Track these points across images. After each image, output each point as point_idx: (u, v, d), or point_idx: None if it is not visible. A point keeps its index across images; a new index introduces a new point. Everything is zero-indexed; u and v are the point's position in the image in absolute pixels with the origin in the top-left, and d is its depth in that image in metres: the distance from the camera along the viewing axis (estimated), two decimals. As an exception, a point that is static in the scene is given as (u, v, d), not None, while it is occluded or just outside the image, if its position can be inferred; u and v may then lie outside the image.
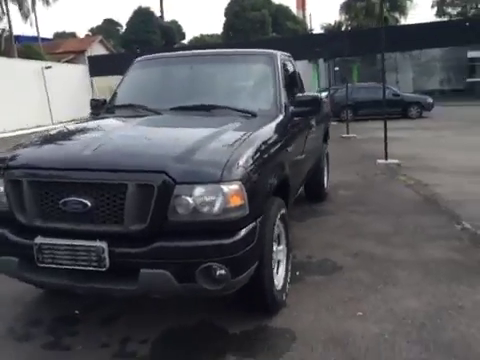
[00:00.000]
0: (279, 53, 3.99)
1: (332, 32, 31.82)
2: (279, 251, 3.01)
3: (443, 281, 3.36)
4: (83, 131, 3.17)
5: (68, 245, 2.33)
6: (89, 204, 2.30)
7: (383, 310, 2.96)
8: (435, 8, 36.15)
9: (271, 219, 2.71)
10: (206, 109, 3.41)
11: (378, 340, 2.62)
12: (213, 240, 2.27)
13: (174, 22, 47.63)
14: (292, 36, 36.44)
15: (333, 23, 36.70)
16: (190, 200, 2.26)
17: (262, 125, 3.09)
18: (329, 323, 2.83)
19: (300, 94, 3.68)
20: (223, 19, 47.38)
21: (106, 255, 2.27)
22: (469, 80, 27.47)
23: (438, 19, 34.74)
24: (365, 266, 3.68)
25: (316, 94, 3.65)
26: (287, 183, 3.20)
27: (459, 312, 2.89)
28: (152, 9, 44.62)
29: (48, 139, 2.99)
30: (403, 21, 35.39)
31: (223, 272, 2.26)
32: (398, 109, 17.01)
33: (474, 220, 4.72)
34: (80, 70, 30.59)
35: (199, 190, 2.26)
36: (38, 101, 23.71)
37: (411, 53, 28.27)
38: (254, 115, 3.34)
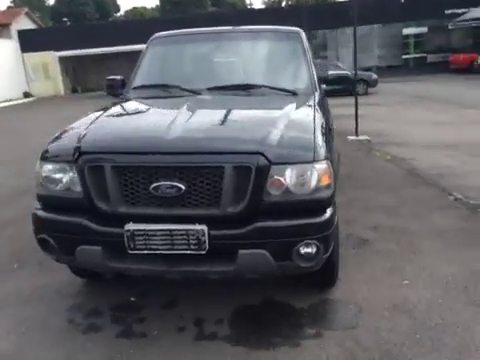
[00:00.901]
0: (301, 30, 4.03)
1: (277, 8, 32.08)
2: None
3: (464, 247, 3.70)
4: (141, 112, 3.07)
5: (165, 230, 2.31)
6: (183, 188, 2.29)
7: (425, 277, 3.23)
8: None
9: None
10: (244, 88, 3.42)
11: (435, 304, 2.87)
12: (308, 218, 2.36)
13: (108, -6, 45.25)
14: (235, 11, 36.06)
15: (273, -1, 36.78)
16: (284, 180, 2.32)
17: (311, 104, 3.17)
18: (383, 292, 3.05)
19: (332, 71, 3.76)
20: (160, -9, 45.80)
21: (206, 238, 2.29)
22: (404, 57, 29.01)
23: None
24: (389, 238, 3.94)
25: (347, 72, 3.75)
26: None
27: (491, 274, 3.24)
28: (83, -21, 42.03)
29: (111, 123, 2.87)
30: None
31: (317, 249, 2.37)
32: (347, 86, 17.60)
33: (462, 190, 5.17)
34: (9, 46, 28.36)
35: (293, 170, 2.33)
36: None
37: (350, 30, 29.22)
38: (295, 94, 3.40)
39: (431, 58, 28.46)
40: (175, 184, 2.29)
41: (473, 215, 4.47)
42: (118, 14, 46.73)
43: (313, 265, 2.44)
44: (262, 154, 2.30)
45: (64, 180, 2.51)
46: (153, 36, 4.09)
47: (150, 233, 2.32)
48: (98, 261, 2.46)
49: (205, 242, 2.30)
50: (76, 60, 30.47)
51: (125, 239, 2.34)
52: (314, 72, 3.67)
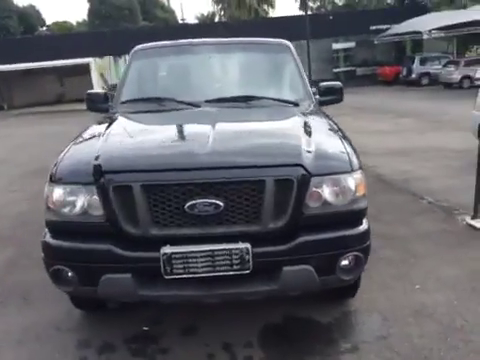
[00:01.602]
0: (289, 42, 4.03)
1: (206, 23, 32.35)
2: None
3: (454, 249, 3.86)
4: (153, 127, 2.88)
5: (207, 251, 2.15)
6: (222, 204, 2.15)
7: (433, 280, 3.31)
8: (298, 1, 39.03)
9: None
10: (244, 100, 3.32)
11: (452, 306, 2.94)
12: (349, 230, 2.32)
13: (32, 7, 43.05)
14: (168, 25, 35.91)
15: (206, 13, 37.17)
16: (323, 192, 2.27)
17: (320, 114, 3.17)
18: (400, 299, 3.08)
19: (325, 83, 3.78)
20: (87, 5, 44.48)
21: (250, 257, 2.16)
22: (335, 70, 30.39)
23: (302, 12, 37.56)
24: (384, 244, 3.99)
25: (339, 83, 3.79)
26: None
27: (490, 273, 3.39)
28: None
29: (127, 139, 2.64)
30: (272, 13, 37.58)
31: (359, 261, 2.34)
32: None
33: (430, 194, 5.45)
34: None
35: (332, 181, 2.29)
36: None
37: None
38: (296, 104, 3.37)
39: (360, 71, 30.10)
40: (213, 201, 2.15)
41: (450, 217, 4.69)
42: (44, 28, 44.60)
43: (353, 278, 2.40)
44: (302, 166, 2.23)
45: (80, 203, 2.27)
46: (135, 48, 3.88)
47: (190, 255, 2.15)
48: (127, 290, 2.24)
49: (249, 261, 2.17)
50: (1, 76, 28.58)
51: (161, 264, 2.15)
52: (307, 83, 3.68)
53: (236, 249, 2.16)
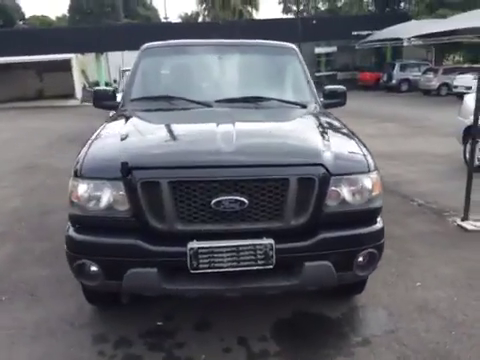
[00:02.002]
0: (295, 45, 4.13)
1: (191, 22, 32.31)
2: None
3: (448, 249, 4.04)
4: (174, 125, 2.91)
5: (232, 246, 2.22)
6: (246, 201, 2.23)
7: (432, 278, 3.47)
8: (282, 5, 39.41)
9: None
10: (253, 101, 3.41)
11: (452, 302, 3.10)
12: (366, 228, 2.43)
13: (11, 0, 42.05)
14: (152, 23, 35.67)
15: (190, 13, 37.08)
16: (341, 191, 2.37)
17: (331, 116, 3.28)
18: (403, 295, 3.22)
19: (329, 86, 3.89)
20: (67, 0, 43.84)
21: (274, 252, 2.24)
22: (317, 74, 30.75)
23: (285, 16, 38.03)
24: (381, 244, 4.16)
25: (343, 87, 3.90)
26: None
27: (484, 271, 3.57)
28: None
29: (150, 136, 2.68)
30: (255, 15, 37.79)
31: (374, 257, 2.46)
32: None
33: (420, 197, 5.65)
34: None
35: (351, 181, 2.39)
36: None
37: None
38: (304, 106, 3.47)
39: (341, 75, 30.50)
40: (238, 198, 2.23)
41: (440, 219, 4.88)
42: (21, 22, 43.57)
43: (368, 274, 2.51)
44: (323, 166, 2.33)
45: (105, 198, 2.31)
46: (144, 46, 3.91)
47: (216, 250, 2.22)
48: (152, 284, 2.29)
49: (272, 256, 2.25)
50: (-22, 70, 27.85)
51: (188, 258, 2.21)
52: (313, 86, 3.79)
53: (261, 245, 2.24)
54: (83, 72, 29.90)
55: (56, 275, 3.60)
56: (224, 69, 3.80)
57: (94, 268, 2.34)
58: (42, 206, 5.60)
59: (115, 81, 21.99)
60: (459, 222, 4.68)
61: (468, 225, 4.58)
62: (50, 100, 26.62)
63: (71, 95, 27.54)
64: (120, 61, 25.31)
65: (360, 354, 2.56)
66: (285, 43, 4.10)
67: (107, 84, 26.59)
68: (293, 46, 4.05)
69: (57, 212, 5.30)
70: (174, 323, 2.92)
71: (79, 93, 28.23)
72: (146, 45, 3.92)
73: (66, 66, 27.39)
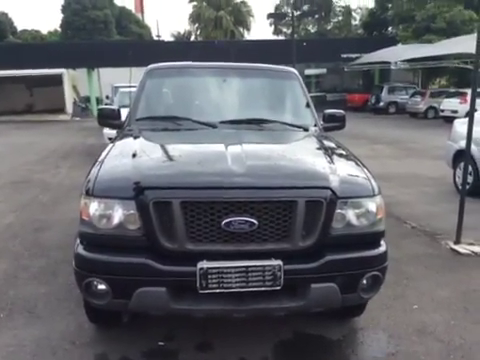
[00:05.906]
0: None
1: (184, 40, 32.67)
2: None
3: (443, 272, 4.12)
4: (182, 145, 2.99)
5: (241, 267, 2.26)
6: (256, 223, 2.28)
7: (428, 301, 3.53)
8: (273, 26, 40.18)
9: None
10: (257, 123, 3.50)
11: (450, 326, 3.16)
12: (371, 250, 2.50)
13: (4, 14, 42.05)
14: (146, 41, 35.96)
15: (183, 32, 37.53)
16: (347, 214, 2.44)
17: (332, 139, 3.37)
18: (401, 318, 3.26)
19: (329, 110, 3.99)
20: (60, 15, 43.91)
21: (282, 273, 2.28)
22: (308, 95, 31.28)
23: (276, 37, 38.71)
24: (377, 265, 4.22)
25: (342, 111, 4.00)
26: None
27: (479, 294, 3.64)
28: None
29: (160, 157, 2.72)
30: (247, 36, 38.42)
31: (378, 280, 2.51)
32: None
33: (413, 219, 5.76)
34: None
35: (356, 204, 2.47)
36: None
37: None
38: (305, 129, 3.57)
39: (330, 97, 31.05)
40: (248, 219, 2.28)
41: (434, 242, 4.97)
42: (10, 37, 43.39)
43: (371, 296, 2.56)
44: (330, 189, 2.39)
45: (117, 217, 2.34)
46: (149, 67, 3.99)
47: (225, 271, 2.26)
48: (160, 303, 2.31)
49: (280, 277, 2.29)
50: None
51: (197, 278, 2.24)
52: (313, 109, 3.90)
53: (269, 266, 2.28)
54: (74, 87, 29.90)
55: (54, 292, 3.59)
56: (228, 91, 3.89)
57: (103, 287, 2.35)
58: (36, 222, 5.56)
59: (107, 97, 22.02)
60: (452, 245, 4.77)
61: (461, 248, 4.68)
62: (40, 115, 26.52)
63: (61, 110, 27.48)
64: (111, 77, 25.40)
65: (362, 376, 2.59)
66: (287, 68, 4.22)
67: (98, 100, 26.64)
68: (294, 71, 4.17)
69: (51, 228, 5.30)
70: (175, 343, 2.92)
71: (70, 108, 28.18)
72: (151, 66, 4.00)
73: (57, 81, 27.36)
